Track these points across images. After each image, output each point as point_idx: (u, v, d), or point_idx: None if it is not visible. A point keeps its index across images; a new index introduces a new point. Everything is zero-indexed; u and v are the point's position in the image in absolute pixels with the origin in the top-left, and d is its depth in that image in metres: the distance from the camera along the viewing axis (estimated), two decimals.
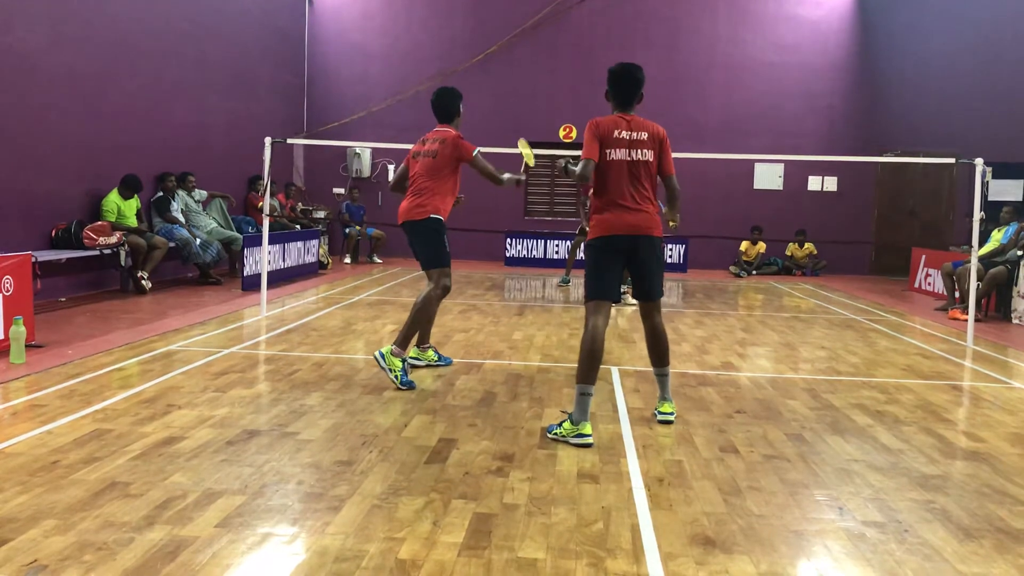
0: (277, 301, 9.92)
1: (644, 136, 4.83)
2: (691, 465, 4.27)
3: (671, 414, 5.08)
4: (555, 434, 4.65)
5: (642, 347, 7.76)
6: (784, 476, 4.15)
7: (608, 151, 4.76)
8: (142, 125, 11.21)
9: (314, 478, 3.90)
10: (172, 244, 10.77)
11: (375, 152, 17.21)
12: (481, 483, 3.90)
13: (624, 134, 4.79)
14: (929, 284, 13.27)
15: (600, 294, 4.81)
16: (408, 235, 6.13)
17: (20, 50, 8.91)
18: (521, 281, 13.22)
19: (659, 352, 5.08)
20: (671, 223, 5.21)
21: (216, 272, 11.75)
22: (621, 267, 4.88)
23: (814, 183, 17.13)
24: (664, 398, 5.13)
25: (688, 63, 17.02)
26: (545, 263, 16.35)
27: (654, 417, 5.12)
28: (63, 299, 9.26)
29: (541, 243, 16.66)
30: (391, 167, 17.14)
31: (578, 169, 4.81)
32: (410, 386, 5.71)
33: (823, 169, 16.94)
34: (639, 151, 4.80)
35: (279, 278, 11.54)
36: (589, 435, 4.56)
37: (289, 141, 10.41)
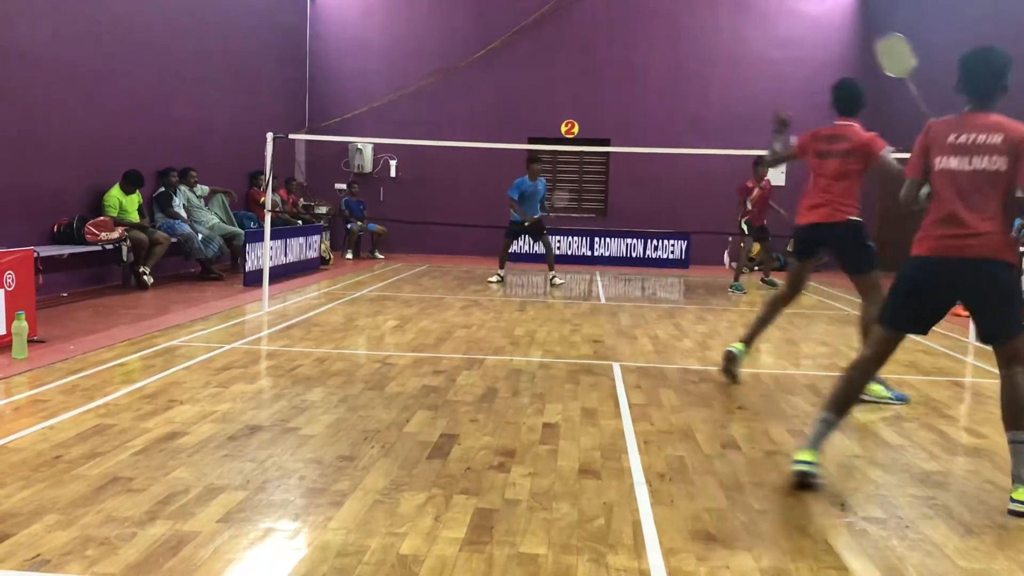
0: (279, 297, 9.93)
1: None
2: (692, 461, 4.27)
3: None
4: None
5: (644, 343, 7.80)
6: (785, 472, 4.14)
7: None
8: (144, 120, 11.20)
9: (316, 473, 3.91)
10: (174, 239, 10.78)
11: (377, 147, 17.18)
12: (483, 478, 3.90)
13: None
14: None
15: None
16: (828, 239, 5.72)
17: (22, 46, 8.91)
18: (523, 277, 13.22)
19: None
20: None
21: (218, 268, 11.75)
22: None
23: None
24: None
25: (690, 58, 16.98)
26: (545, 259, 16.33)
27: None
28: (65, 294, 9.27)
29: None
30: (392, 162, 17.15)
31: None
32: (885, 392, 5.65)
33: None
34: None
35: (281, 274, 11.54)
36: (799, 460, 3.94)
37: (291, 136, 10.39)
